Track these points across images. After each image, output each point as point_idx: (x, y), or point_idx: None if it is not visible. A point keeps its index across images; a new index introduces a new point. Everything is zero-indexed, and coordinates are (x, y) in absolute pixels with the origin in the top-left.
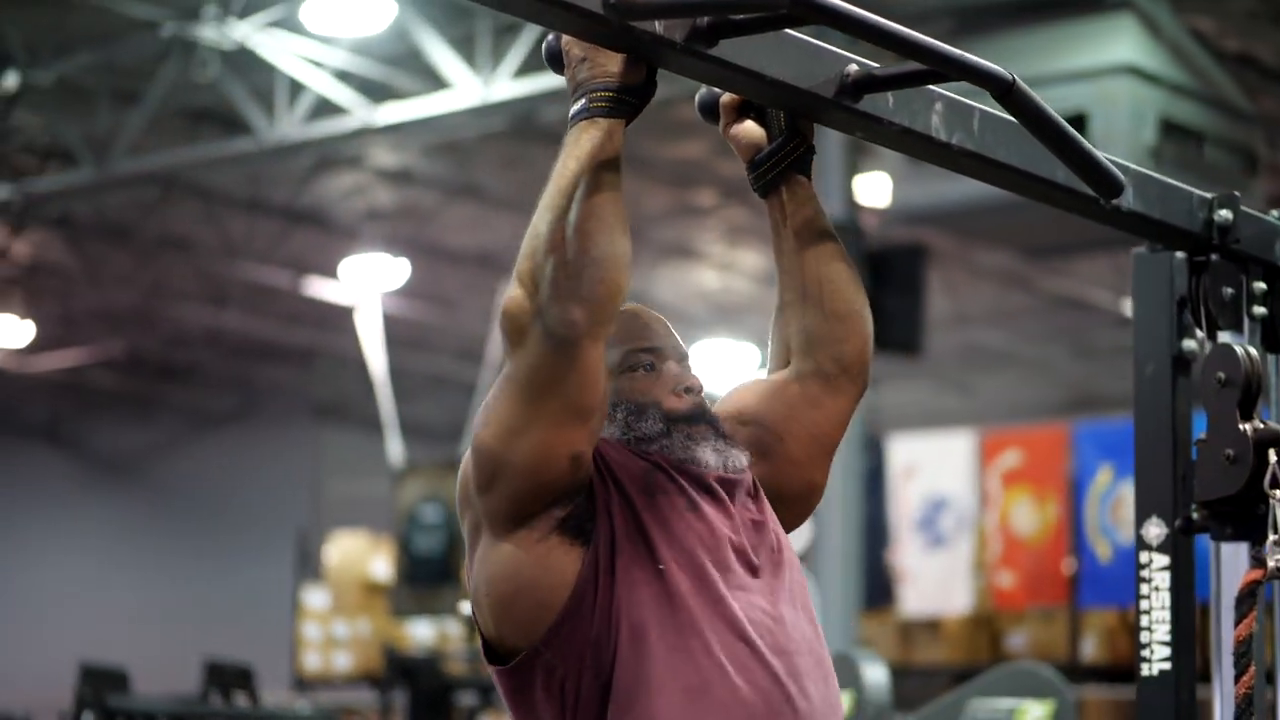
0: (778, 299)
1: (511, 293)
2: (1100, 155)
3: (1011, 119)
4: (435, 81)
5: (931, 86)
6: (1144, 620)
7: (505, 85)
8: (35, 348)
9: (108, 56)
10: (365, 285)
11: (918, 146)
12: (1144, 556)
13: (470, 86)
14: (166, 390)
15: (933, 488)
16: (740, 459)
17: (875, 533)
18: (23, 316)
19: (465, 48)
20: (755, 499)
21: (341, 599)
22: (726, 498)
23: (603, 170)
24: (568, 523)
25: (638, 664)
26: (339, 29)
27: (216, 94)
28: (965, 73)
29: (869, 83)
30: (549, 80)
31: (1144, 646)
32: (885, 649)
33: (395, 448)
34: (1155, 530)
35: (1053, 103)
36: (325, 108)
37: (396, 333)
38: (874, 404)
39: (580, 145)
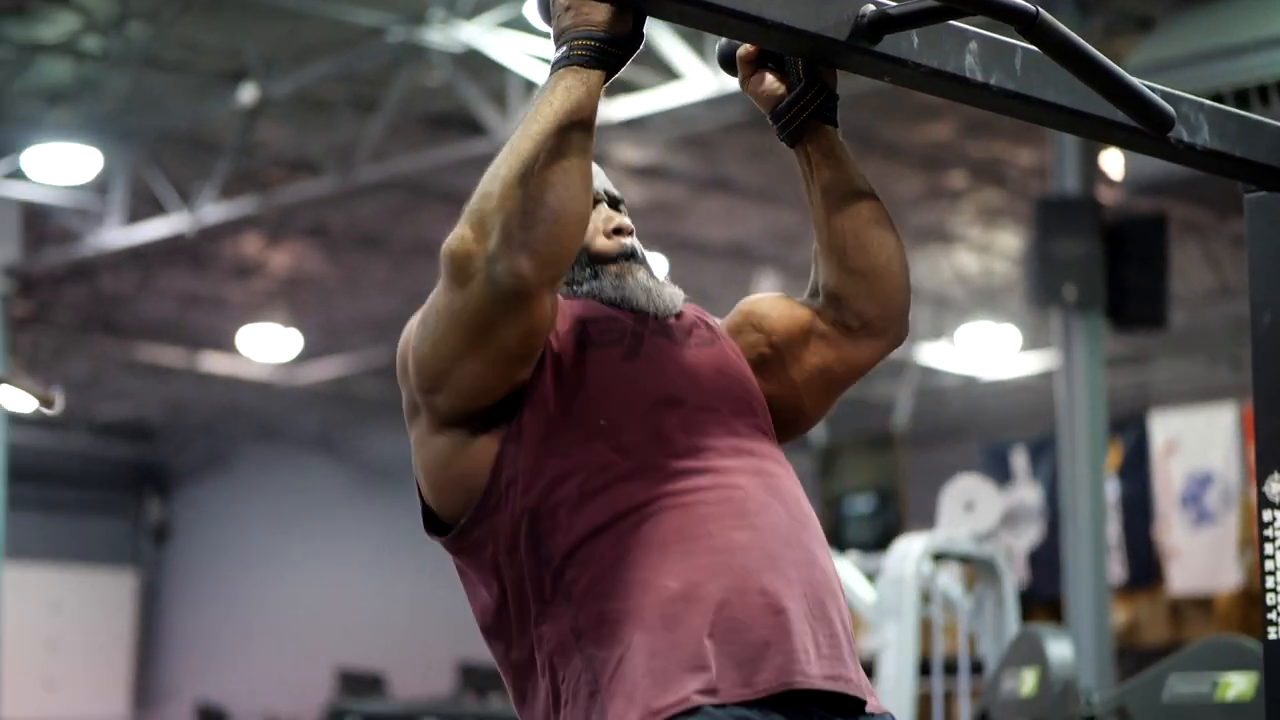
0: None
1: (458, 231)
2: (1144, 87)
3: None
4: (668, 74)
5: (964, 25)
6: (1269, 582)
7: None
8: (302, 358)
9: (342, 66)
10: None
11: (951, 89)
12: (1267, 515)
13: (703, 78)
14: None
15: (1196, 463)
16: (673, 299)
17: (1142, 511)
18: (288, 327)
19: (696, 39)
20: (709, 343)
21: None
22: (670, 340)
23: (576, 125)
24: (501, 410)
25: (580, 530)
26: None
27: (452, 97)
28: (982, 6)
29: (886, 22)
30: None
31: (1270, 609)
32: (1156, 628)
33: None
34: (1277, 487)
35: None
36: None
37: None
38: (1142, 380)
39: (556, 93)
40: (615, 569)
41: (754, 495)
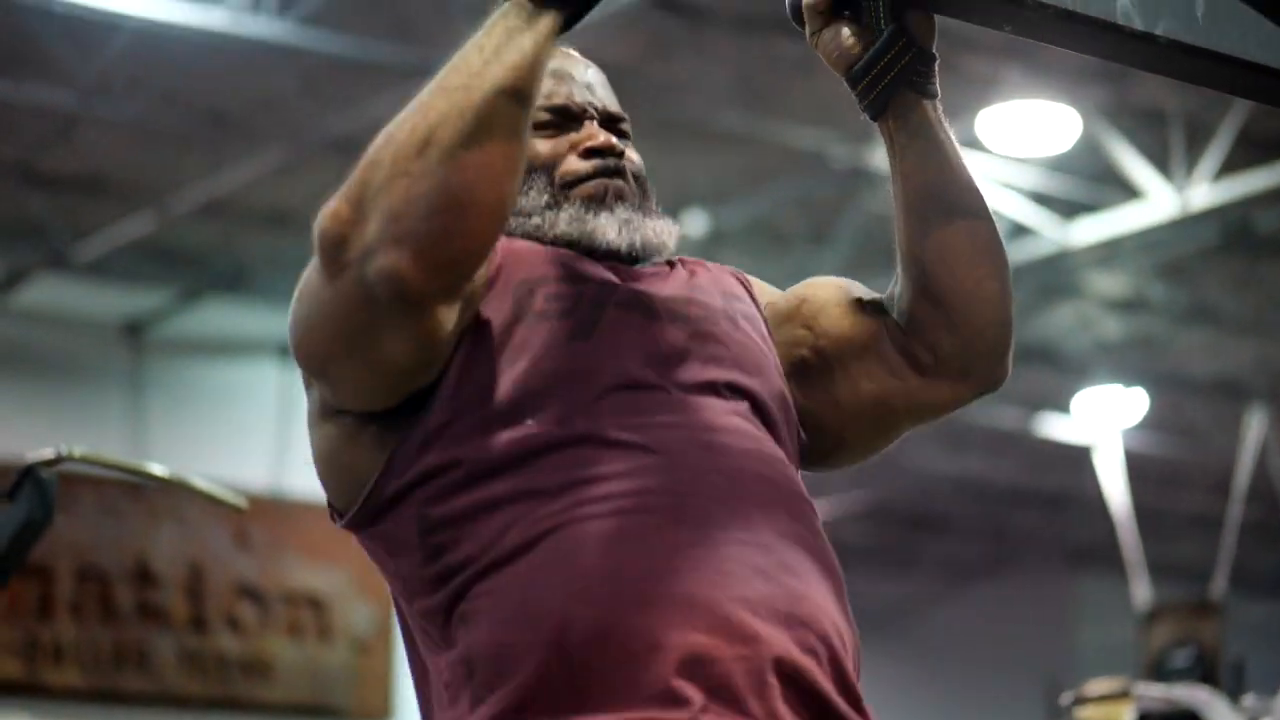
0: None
1: (332, 204)
2: None
3: None
4: (1129, 193)
5: None
6: None
7: (1203, 191)
8: None
9: (792, 193)
10: (1103, 421)
11: (1097, 40)
12: None
13: (1167, 197)
14: (919, 541)
15: None
16: (659, 236)
17: None
18: None
19: (1159, 156)
20: (707, 317)
21: None
22: (646, 309)
23: (511, 87)
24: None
25: (485, 546)
26: (1026, 149)
27: None
28: None
29: None
30: (1250, 183)
31: None
32: None
33: (1142, 590)
34: None
35: None
36: (1019, 232)
37: (1142, 469)
38: None
39: (492, 36)
40: (523, 594)
41: (720, 497)
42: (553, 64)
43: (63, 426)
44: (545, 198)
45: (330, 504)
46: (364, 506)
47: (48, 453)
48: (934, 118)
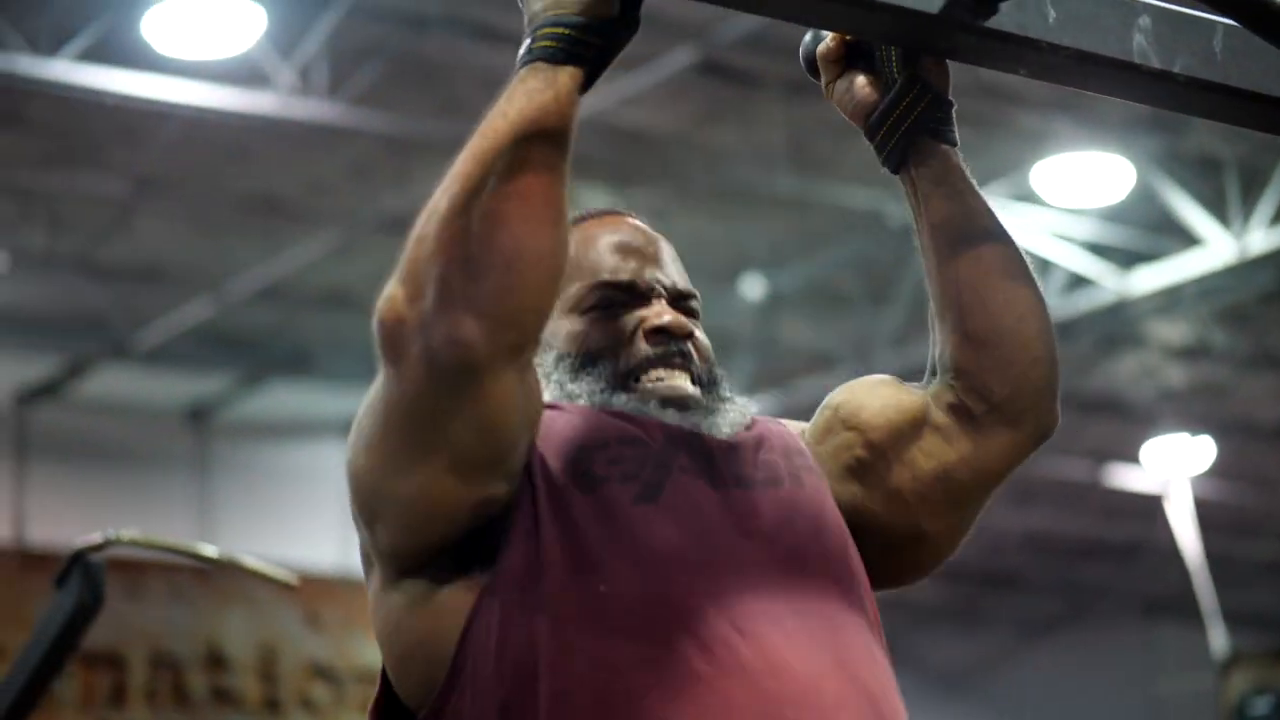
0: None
1: (388, 290)
2: None
3: None
4: (1188, 241)
5: None
6: None
7: (1260, 236)
8: None
9: (849, 253)
10: (1171, 470)
11: (1112, 80)
12: None
13: (1224, 244)
14: (991, 598)
15: None
16: (727, 423)
17: None
18: None
19: (1216, 204)
20: (777, 482)
21: None
22: (711, 477)
23: (539, 137)
24: (473, 553)
25: None
26: (1081, 200)
27: None
28: None
29: None
30: None
31: None
32: None
33: (1218, 639)
34: None
35: None
36: (1079, 283)
37: (1212, 517)
38: None
39: (514, 99)
40: None
41: (805, 682)
42: (618, 237)
43: (130, 514)
44: (602, 384)
45: (392, 710)
46: (442, 693)
47: (95, 538)
48: (955, 163)
